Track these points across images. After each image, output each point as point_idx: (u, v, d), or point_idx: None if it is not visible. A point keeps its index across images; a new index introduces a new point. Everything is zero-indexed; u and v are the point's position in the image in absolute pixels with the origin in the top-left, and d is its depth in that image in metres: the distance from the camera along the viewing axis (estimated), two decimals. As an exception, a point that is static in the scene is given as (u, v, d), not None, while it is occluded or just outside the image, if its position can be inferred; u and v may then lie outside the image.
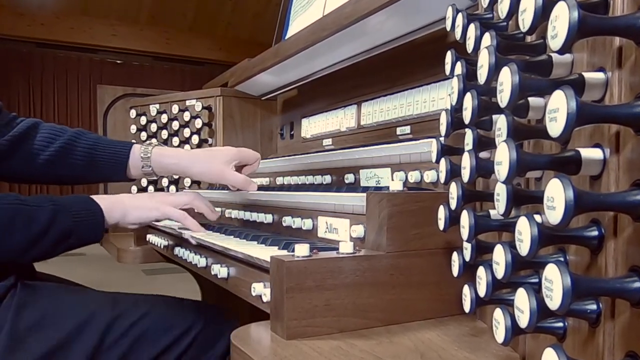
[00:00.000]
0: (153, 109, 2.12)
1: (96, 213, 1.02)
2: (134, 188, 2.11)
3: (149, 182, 2.10)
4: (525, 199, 0.51)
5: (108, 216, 1.04)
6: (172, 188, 2.01)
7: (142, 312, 1.01)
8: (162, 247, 1.43)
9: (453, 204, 0.64)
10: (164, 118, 2.09)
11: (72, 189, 7.95)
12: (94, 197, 1.05)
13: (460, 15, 0.67)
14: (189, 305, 1.12)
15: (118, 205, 1.07)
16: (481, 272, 0.56)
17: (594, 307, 0.44)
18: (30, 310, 0.93)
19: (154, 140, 2.01)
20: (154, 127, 2.11)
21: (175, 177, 1.99)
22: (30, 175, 1.21)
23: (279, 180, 1.54)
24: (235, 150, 1.25)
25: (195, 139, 1.98)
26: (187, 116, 1.99)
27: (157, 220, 1.18)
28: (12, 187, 6.18)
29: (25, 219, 0.93)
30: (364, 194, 0.81)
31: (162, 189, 2.05)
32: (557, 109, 0.40)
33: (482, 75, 0.53)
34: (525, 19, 0.46)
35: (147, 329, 1.00)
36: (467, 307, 0.61)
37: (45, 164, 1.18)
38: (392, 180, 1.04)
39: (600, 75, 0.45)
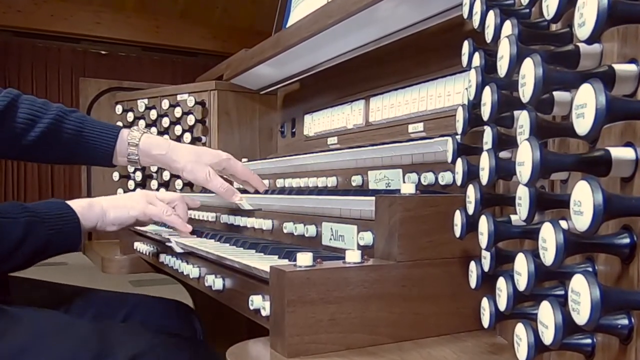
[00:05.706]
0: (141, 105, 2.13)
1: (72, 221, 1.04)
2: (120, 190, 2.12)
3: (137, 185, 2.11)
4: (550, 203, 0.51)
5: (85, 219, 1.07)
6: (162, 190, 2.02)
7: (132, 352, 0.95)
8: (150, 255, 1.43)
9: (470, 209, 0.65)
10: (153, 114, 2.09)
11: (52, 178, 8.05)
12: (70, 202, 1.07)
13: (478, 1, 0.67)
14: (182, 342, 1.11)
15: (95, 207, 1.10)
16: (501, 283, 0.57)
17: (625, 321, 0.44)
18: (3, 343, 0.89)
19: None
20: (142, 124, 2.12)
21: (166, 179, 2.00)
22: (13, 156, 1.28)
23: (279, 183, 1.54)
24: (225, 156, 1.29)
25: (187, 137, 1.98)
26: (178, 112, 2.00)
27: (142, 224, 1.19)
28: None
29: None
30: (373, 198, 0.81)
31: None
32: (584, 105, 0.40)
33: (502, 67, 0.53)
34: (550, 6, 0.46)
35: None
36: (485, 321, 0.61)
37: (30, 146, 1.22)
38: (404, 182, 1.04)
39: (632, 68, 0.45)
